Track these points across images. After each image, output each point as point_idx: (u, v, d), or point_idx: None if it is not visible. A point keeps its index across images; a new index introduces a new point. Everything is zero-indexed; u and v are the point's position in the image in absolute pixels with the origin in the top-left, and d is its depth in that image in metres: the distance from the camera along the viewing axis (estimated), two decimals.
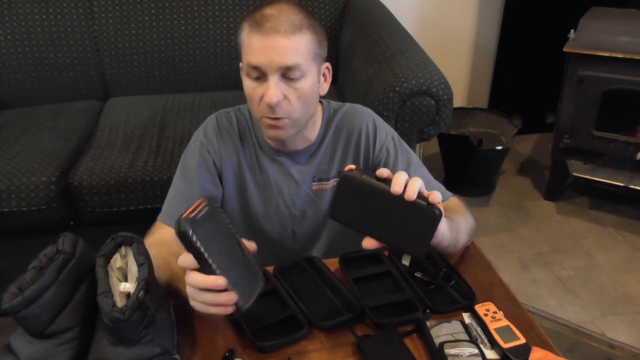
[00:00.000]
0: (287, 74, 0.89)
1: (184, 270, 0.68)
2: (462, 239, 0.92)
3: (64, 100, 2.08)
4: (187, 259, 0.65)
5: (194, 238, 0.61)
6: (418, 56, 1.64)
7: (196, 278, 0.66)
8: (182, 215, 0.62)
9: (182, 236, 0.61)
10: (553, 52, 2.13)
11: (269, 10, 0.87)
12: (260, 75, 0.89)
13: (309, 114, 0.98)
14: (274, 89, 0.88)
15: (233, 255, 0.67)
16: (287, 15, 0.87)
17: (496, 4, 2.62)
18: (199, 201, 0.65)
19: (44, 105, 2.05)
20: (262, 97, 0.90)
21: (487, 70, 2.79)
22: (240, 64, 0.97)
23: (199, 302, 0.68)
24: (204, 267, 0.64)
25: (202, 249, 0.62)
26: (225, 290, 0.65)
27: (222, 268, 0.64)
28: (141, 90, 2.13)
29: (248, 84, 0.92)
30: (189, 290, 0.69)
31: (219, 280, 0.64)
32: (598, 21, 2.10)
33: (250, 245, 0.71)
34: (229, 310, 0.67)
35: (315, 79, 0.94)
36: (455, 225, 0.86)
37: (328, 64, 0.98)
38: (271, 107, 0.89)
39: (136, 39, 2.07)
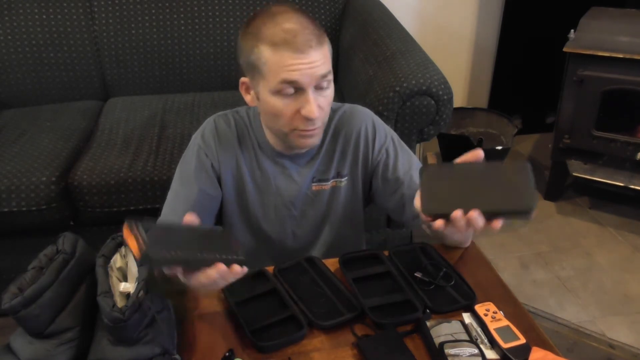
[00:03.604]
0: (320, 84, 0.89)
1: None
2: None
3: (64, 100, 2.08)
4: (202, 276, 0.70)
5: (168, 255, 0.66)
6: (418, 56, 1.64)
7: (201, 280, 0.70)
8: (141, 253, 0.64)
9: (157, 263, 0.67)
10: (553, 52, 2.13)
11: (288, 25, 0.86)
12: (295, 91, 0.89)
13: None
14: (314, 104, 0.88)
15: (192, 236, 0.72)
16: (308, 27, 0.87)
17: (496, 4, 2.62)
18: (125, 231, 0.67)
19: (44, 105, 2.05)
20: (296, 112, 0.90)
21: (487, 70, 2.79)
22: (243, 81, 0.96)
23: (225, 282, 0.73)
24: (195, 265, 0.69)
25: (180, 254, 0.67)
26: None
27: (204, 251, 0.69)
28: (141, 90, 2.13)
29: (277, 102, 0.90)
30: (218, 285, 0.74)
31: (220, 268, 0.69)
32: (598, 21, 2.10)
33: (188, 218, 0.74)
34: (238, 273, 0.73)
35: None
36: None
37: None
38: (311, 120, 0.90)
39: (136, 39, 2.07)
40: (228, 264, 0.70)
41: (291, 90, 0.88)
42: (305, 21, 0.88)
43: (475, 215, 0.69)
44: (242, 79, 0.96)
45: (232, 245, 0.73)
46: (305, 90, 0.88)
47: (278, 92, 0.89)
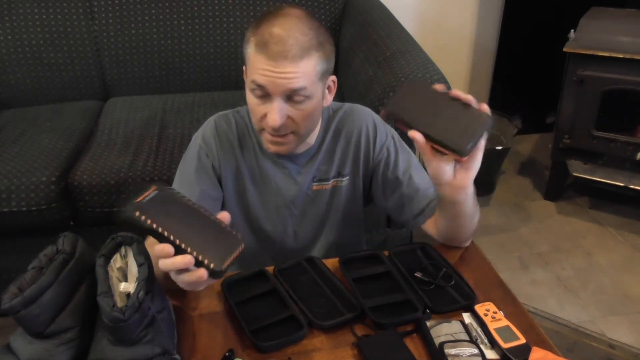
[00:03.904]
0: (292, 96, 0.89)
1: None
2: (474, 221, 0.94)
3: (64, 100, 2.08)
4: (162, 248, 0.65)
5: (142, 218, 0.63)
6: (418, 56, 1.64)
7: (166, 262, 0.66)
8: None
9: (129, 221, 0.64)
10: (553, 52, 2.13)
11: (277, 30, 0.85)
12: (264, 95, 0.89)
13: (313, 129, 1.00)
14: (277, 113, 0.88)
15: (196, 225, 0.68)
16: (295, 38, 0.85)
17: (496, 4, 2.62)
18: (151, 188, 0.68)
19: (44, 105, 2.05)
20: (264, 115, 0.90)
21: (487, 70, 2.79)
22: (244, 68, 0.97)
23: (183, 283, 0.69)
24: (165, 241, 0.65)
25: (155, 226, 0.64)
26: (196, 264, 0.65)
27: (184, 238, 0.65)
28: (141, 90, 2.13)
29: (252, 99, 0.91)
30: (172, 276, 0.70)
31: (185, 259, 0.64)
32: (598, 21, 2.10)
33: (223, 215, 0.71)
34: (205, 281, 0.67)
35: (320, 97, 0.94)
36: (474, 200, 0.90)
37: (334, 77, 0.98)
38: (274, 129, 0.90)
39: (136, 39, 2.07)
40: (198, 264, 0.65)
41: (259, 93, 0.89)
42: (298, 31, 0.86)
43: (414, 135, 0.75)
44: (244, 67, 0.97)
45: (223, 255, 0.67)
46: (272, 97, 0.88)
47: (252, 90, 0.90)
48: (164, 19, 2.07)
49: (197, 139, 1.05)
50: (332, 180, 1.07)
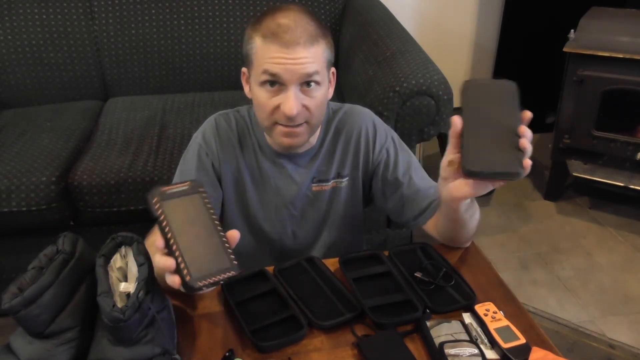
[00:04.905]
0: (305, 84, 0.89)
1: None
2: (476, 223, 0.94)
3: (64, 100, 2.08)
4: (165, 261, 0.64)
5: (156, 206, 0.65)
6: (418, 56, 1.64)
7: (155, 260, 0.66)
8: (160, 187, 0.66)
9: (148, 202, 0.66)
10: (553, 52, 2.13)
11: (283, 20, 0.87)
12: (277, 85, 0.89)
13: (322, 120, 1.00)
14: (294, 100, 0.88)
15: (201, 235, 0.67)
16: (303, 26, 0.87)
17: (496, 4, 2.62)
18: (187, 182, 0.69)
19: (44, 105, 2.05)
20: (277, 107, 0.90)
21: (487, 70, 2.79)
22: (244, 70, 0.97)
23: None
24: (163, 235, 0.65)
25: (162, 218, 0.65)
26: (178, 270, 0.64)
27: (180, 241, 0.64)
28: (141, 90, 2.13)
29: (262, 93, 0.91)
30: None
31: (167, 262, 0.63)
32: (598, 21, 2.10)
33: (232, 234, 0.68)
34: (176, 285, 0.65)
35: (328, 86, 0.96)
36: (475, 203, 0.90)
37: (333, 69, 0.99)
38: (290, 118, 0.90)
39: (136, 39, 2.07)
40: (177, 271, 0.63)
41: (273, 84, 0.89)
42: (303, 20, 0.88)
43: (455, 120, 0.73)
44: (243, 69, 0.97)
45: (206, 273, 0.64)
46: (287, 86, 0.88)
47: (263, 84, 0.90)
48: (164, 19, 2.07)
49: (197, 137, 1.05)
50: (332, 182, 1.07)
